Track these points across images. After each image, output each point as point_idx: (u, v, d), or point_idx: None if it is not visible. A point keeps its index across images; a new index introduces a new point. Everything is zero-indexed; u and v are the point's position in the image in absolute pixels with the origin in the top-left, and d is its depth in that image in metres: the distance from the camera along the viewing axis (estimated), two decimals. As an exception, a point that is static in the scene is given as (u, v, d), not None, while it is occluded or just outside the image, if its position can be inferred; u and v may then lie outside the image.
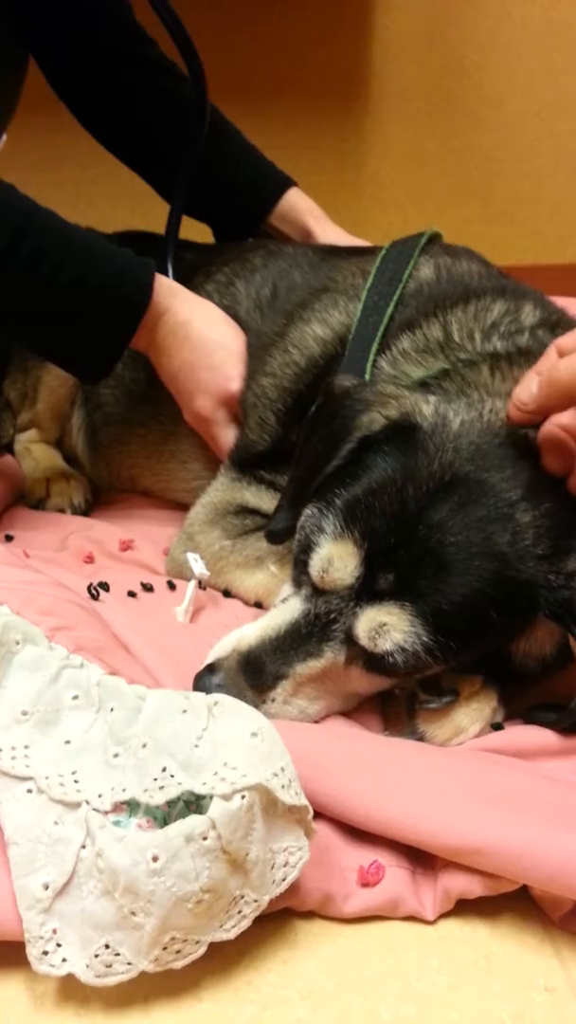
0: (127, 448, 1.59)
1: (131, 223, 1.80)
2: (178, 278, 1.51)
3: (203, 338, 1.31)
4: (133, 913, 0.65)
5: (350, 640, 0.90)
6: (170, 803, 0.72)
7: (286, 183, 1.67)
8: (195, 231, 1.74)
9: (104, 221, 1.76)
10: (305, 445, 1.07)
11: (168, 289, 1.30)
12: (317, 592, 0.92)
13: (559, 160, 2.67)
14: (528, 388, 0.92)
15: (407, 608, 0.86)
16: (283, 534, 1.06)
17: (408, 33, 2.49)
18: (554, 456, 0.91)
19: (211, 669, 0.92)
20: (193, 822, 0.66)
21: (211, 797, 0.68)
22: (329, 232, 1.65)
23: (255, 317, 1.39)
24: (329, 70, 2.47)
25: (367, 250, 1.42)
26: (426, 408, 0.96)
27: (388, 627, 0.87)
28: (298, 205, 1.67)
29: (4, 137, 1.83)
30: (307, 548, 0.93)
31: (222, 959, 0.72)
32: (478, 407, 0.97)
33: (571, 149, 2.69)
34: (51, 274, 1.19)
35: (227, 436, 1.34)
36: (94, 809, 0.71)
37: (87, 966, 0.66)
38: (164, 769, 0.71)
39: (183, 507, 1.42)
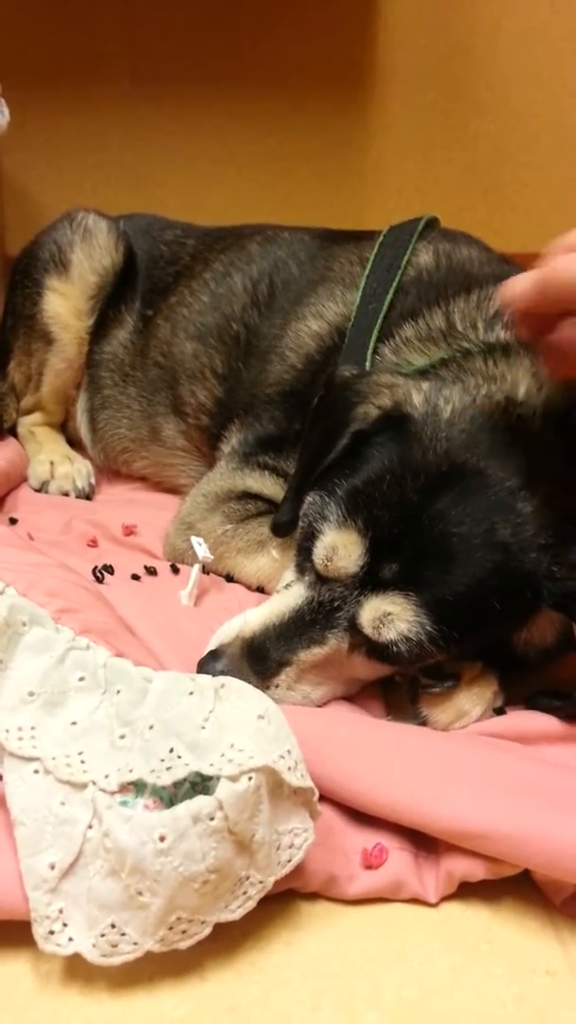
0: (118, 431, 1.60)
1: (134, 207, 1.80)
2: (179, 267, 1.52)
3: None
4: (139, 893, 0.66)
5: (353, 628, 0.90)
6: (176, 784, 0.72)
7: None
8: (192, 215, 1.74)
9: (107, 204, 1.76)
10: (307, 437, 1.08)
11: None
12: (321, 579, 0.93)
13: (564, 148, 2.66)
14: (521, 282, 0.82)
15: (411, 598, 0.86)
16: (288, 526, 1.07)
17: (414, 20, 2.47)
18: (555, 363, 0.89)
19: (214, 655, 0.93)
20: (200, 803, 0.67)
21: (218, 778, 0.69)
22: None
23: (252, 315, 1.40)
24: (334, 56, 2.45)
25: (364, 235, 1.42)
26: (417, 397, 0.95)
27: (392, 616, 0.87)
28: None
29: (7, 119, 1.82)
30: (310, 535, 0.94)
31: (227, 940, 0.72)
32: (474, 393, 0.96)
33: (576, 138, 2.68)
34: None
35: None
36: (101, 790, 0.71)
37: (93, 945, 0.67)
38: (171, 750, 0.71)
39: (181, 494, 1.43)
